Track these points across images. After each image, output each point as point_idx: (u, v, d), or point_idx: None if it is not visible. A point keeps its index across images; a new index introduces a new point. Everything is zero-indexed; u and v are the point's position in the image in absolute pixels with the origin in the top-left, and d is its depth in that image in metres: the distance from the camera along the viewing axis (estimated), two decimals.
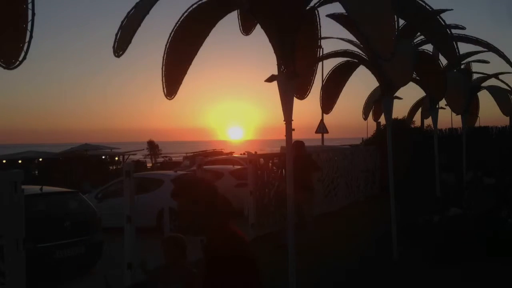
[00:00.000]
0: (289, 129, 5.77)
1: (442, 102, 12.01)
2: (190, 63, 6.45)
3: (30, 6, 3.82)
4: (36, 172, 29.52)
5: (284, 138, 5.91)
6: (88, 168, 29.06)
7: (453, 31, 8.56)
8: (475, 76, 13.88)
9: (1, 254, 5.02)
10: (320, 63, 11.35)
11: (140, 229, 8.39)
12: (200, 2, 5.96)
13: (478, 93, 14.54)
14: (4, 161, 32.33)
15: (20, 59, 3.84)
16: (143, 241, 7.83)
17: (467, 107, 13.09)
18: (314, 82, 7.05)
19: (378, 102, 10.07)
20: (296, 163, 10.18)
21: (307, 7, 5.94)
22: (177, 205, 2.63)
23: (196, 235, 2.63)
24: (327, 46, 10.35)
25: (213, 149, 47.99)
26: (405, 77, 7.89)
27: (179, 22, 6.13)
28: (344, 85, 9.54)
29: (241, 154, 27.99)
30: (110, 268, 8.08)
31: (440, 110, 12.27)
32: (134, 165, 7.95)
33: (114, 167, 34.44)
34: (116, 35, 5.18)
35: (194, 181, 2.81)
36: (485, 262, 8.15)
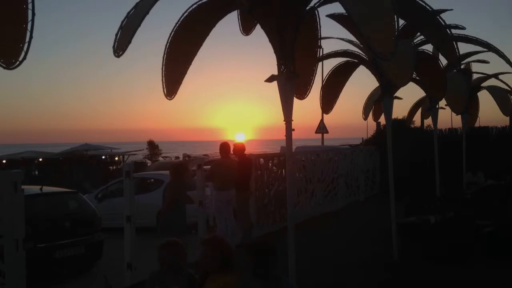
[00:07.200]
0: (289, 129, 5.77)
1: (442, 102, 11.99)
2: (190, 63, 6.46)
3: (30, 6, 3.82)
4: (36, 172, 29.51)
5: (284, 138, 5.90)
6: (88, 168, 29.07)
7: (453, 31, 8.55)
8: (475, 76, 13.87)
9: (1, 254, 5.02)
10: (320, 63, 11.35)
11: (140, 229, 8.41)
12: (200, 2, 5.96)
13: (478, 93, 14.54)
14: (4, 161, 32.34)
15: (20, 59, 3.84)
16: (143, 241, 7.83)
17: (467, 107, 13.09)
18: (314, 82, 7.05)
19: (378, 102, 10.07)
20: (239, 166, 10.31)
21: (307, 7, 5.94)
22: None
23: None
24: (327, 46, 10.39)
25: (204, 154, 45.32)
26: (405, 77, 7.88)
27: (179, 22, 6.14)
28: (344, 85, 9.53)
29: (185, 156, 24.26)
30: (110, 268, 8.08)
31: (440, 110, 12.27)
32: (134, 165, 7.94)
33: (114, 167, 34.44)
34: (116, 35, 5.18)
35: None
36: (485, 262, 8.16)
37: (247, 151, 11.05)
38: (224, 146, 10.58)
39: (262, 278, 3.86)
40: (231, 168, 10.27)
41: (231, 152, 10.81)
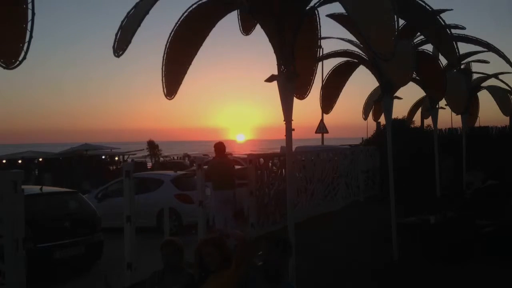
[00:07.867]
0: (289, 129, 5.77)
1: (442, 102, 12.01)
2: (190, 63, 6.46)
3: (30, 6, 3.82)
4: (36, 172, 29.49)
5: (284, 138, 5.90)
6: (88, 168, 29.05)
7: (453, 31, 8.56)
8: (475, 76, 13.88)
9: (1, 254, 5.02)
10: (320, 63, 11.36)
11: (140, 229, 8.40)
12: (200, 2, 5.97)
13: (478, 93, 14.55)
14: (4, 161, 32.36)
15: (20, 59, 3.85)
16: (143, 241, 7.82)
17: (467, 107, 13.09)
18: (314, 82, 7.06)
19: (378, 102, 10.07)
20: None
21: (307, 7, 5.94)
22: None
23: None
24: (327, 46, 10.41)
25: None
26: (405, 77, 7.89)
27: (179, 22, 6.14)
28: (344, 85, 9.54)
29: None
30: (110, 268, 8.08)
31: (440, 110, 12.28)
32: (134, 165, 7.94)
33: (114, 167, 34.41)
34: (116, 35, 5.19)
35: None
36: (485, 262, 8.15)
37: (246, 151, 11.06)
38: (219, 146, 10.59)
39: (272, 278, 3.87)
40: (229, 168, 10.30)
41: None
